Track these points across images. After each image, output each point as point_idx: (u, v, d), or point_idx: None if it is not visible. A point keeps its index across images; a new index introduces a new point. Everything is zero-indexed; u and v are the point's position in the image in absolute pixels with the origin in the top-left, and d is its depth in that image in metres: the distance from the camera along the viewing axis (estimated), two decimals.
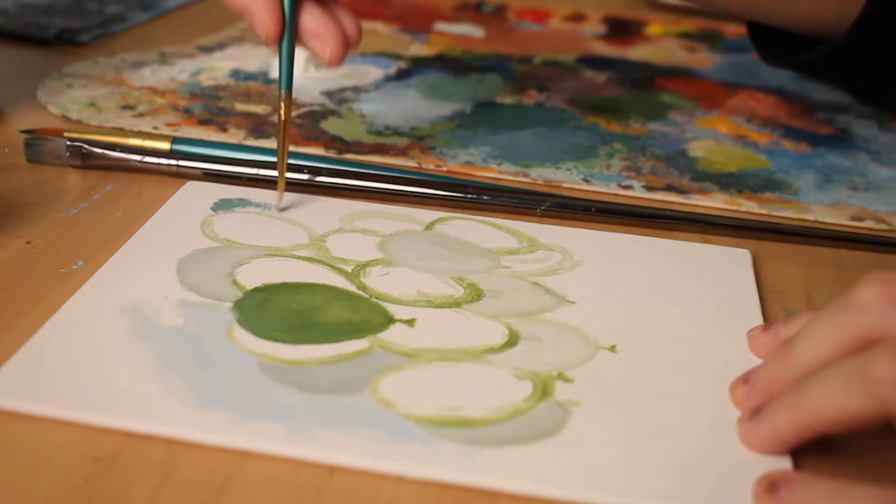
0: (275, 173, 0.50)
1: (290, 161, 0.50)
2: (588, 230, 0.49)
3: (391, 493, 0.32)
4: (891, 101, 0.59)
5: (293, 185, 0.50)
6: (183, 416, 0.34)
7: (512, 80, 0.69)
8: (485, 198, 0.51)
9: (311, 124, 0.59)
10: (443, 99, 0.65)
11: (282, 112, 0.47)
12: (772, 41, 0.58)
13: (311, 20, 0.47)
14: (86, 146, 0.51)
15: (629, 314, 0.42)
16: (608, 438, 0.35)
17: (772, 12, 0.57)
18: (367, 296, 0.42)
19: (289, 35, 0.46)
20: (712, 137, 0.62)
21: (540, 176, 0.55)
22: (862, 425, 0.32)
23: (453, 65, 0.72)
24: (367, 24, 0.80)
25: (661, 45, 0.80)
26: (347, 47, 0.47)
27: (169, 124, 0.58)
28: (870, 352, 0.32)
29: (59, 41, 0.70)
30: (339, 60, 0.47)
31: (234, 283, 0.42)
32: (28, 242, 0.45)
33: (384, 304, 0.42)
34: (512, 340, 0.40)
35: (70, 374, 0.36)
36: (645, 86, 0.70)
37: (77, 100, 0.60)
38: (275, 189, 0.49)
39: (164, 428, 0.34)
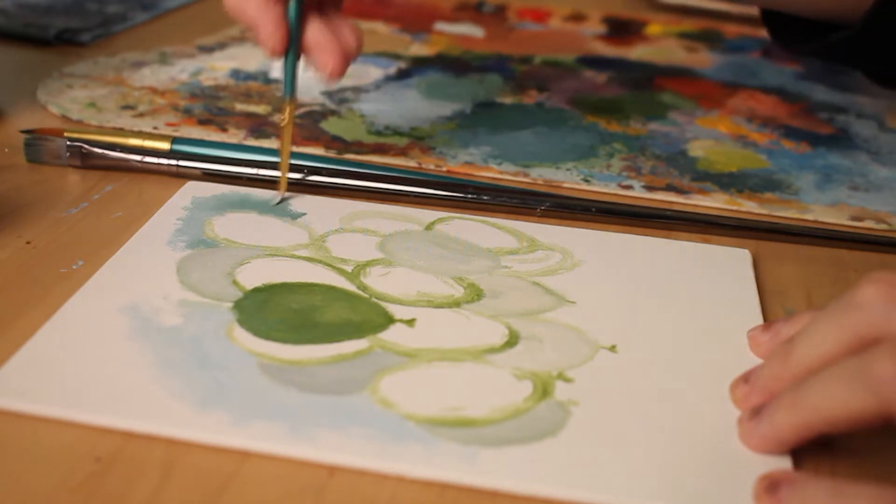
0: (276, 173, 0.50)
1: (290, 161, 0.50)
2: (588, 230, 0.49)
3: (391, 493, 0.32)
4: None
5: (293, 186, 0.50)
6: (183, 416, 0.34)
7: (512, 80, 0.69)
8: (485, 198, 0.51)
9: (311, 124, 0.59)
10: (443, 99, 0.65)
11: (286, 116, 0.49)
12: (787, 27, 0.58)
13: (313, 34, 0.48)
14: (86, 146, 0.51)
15: (629, 314, 0.42)
16: (608, 438, 0.35)
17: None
18: (367, 296, 0.42)
19: (293, 48, 0.48)
20: (712, 137, 0.62)
21: (540, 176, 0.55)
22: (862, 425, 0.32)
23: (453, 65, 0.72)
24: (367, 24, 0.80)
25: (661, 45, 0.80)
26: (348, 61, 0.48)
27: (169, 124, 0.58)
28: (871, 351, 0.32)
29: (59, 41, 0.70)
30: (339, 75, 0.48)
31: (234, 283, 0.42)
32: (28, 242, 0.45)
33: (384, 304, 0.42)
34: (512, 340, 0.40)
35: (70, 374, 0.36)
36: (645, 86, 0.70)
37: (77, 100, 0.60)
38: (276, 189, 0.50)
39: (164, 428, 0.34)
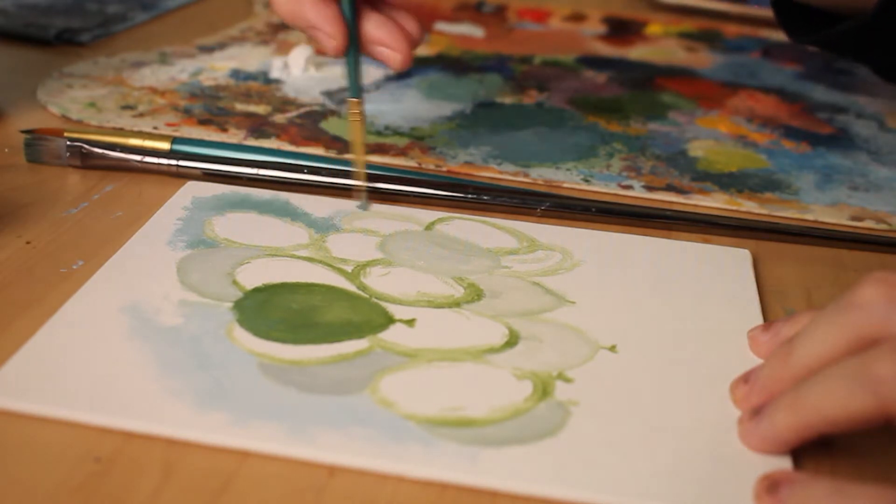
0: (275, 173, 0.50)
1: (290, 161, 0.50)
2: (588, 230, 0.49)
3: (391, 494, 0.32)
4: None
5: (292, 185, 0.50)
6: (183, 416, 0.34)
7: (512, 80, 0.69)
8: (485, 198, 0.51)
9: (311, 124, 0.59)
10: (443, 99, 0.65)
11: (355, 114, 0.49)
12: (797, 17, 0.58)
13: (374, 28, 0.48)
14: (86, 146, 0.51)
15: (629, 314, 0.42)
16: (608, 438, 0.35)
17: None
18: (368, 296, 0.42)
19: (353, 46, 0.48)
20: (712, 137, 0.62)
21: (540, 176, 0.55)
22: (862, 425, 0.32)
23: (453, 65, 0.72)
24: None
25: (661, 45, 0.80)
26: (412, 50, 0.48)
27: (169, 124, 0.58)
28: (871, 351, 0.32)
29: (59, 41, 0.70)
30: (407, 65, 0.48)
31: (234, 283, 0.42)
32: (28, 242, 0.45)
33: (384, 304, 0.42)
34: (512, 340, 0.40)
35: (70, 374, 0.36)
36: (645, 86, 0.70)
37: (77, 100, 0.60)
38: (277, 189, 0.50)
39: (164, 428, 0.34)
